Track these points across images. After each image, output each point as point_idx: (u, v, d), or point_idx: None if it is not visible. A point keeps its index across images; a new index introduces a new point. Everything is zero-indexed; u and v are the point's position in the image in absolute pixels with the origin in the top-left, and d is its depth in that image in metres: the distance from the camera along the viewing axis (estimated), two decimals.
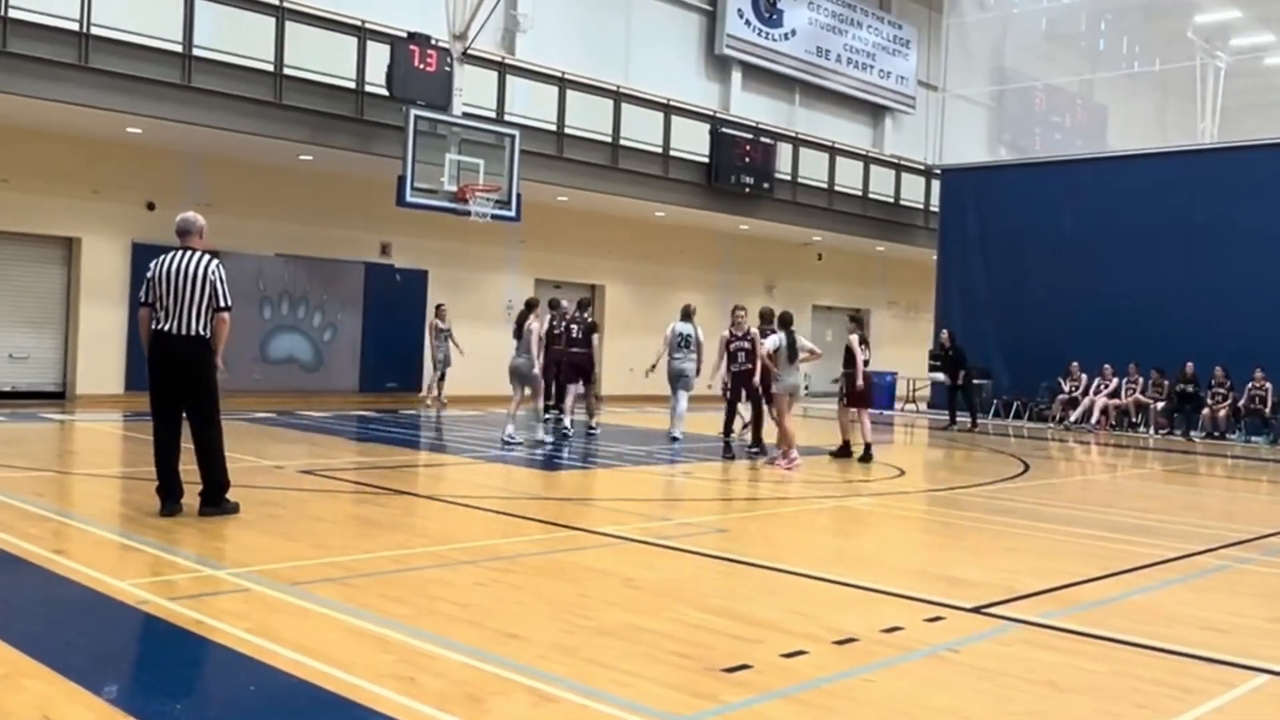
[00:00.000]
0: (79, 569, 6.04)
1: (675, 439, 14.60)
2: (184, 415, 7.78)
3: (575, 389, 14.90)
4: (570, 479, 11.54)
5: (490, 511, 9.03)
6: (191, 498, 7.77)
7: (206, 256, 7.71)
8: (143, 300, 7.77)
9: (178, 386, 7.67)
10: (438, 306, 19.66)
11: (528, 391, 13.68)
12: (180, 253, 7.68)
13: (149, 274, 7.69)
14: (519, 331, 13.62)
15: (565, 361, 14.69)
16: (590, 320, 15.08)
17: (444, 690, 4.30)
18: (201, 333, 7.63)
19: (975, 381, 20.56)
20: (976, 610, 6.00)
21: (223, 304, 7.68)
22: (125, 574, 6.00)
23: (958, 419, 20.25)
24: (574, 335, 14.66)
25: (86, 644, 4.83)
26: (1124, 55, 34.52)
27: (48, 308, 17.29)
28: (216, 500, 7.71)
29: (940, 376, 24.33)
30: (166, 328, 7.59)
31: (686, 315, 14.85)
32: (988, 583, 6.75)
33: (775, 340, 12.57)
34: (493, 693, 4.32)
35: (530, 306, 13.85)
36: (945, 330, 21.07)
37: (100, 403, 16.94)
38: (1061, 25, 32.82)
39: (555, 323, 14.86)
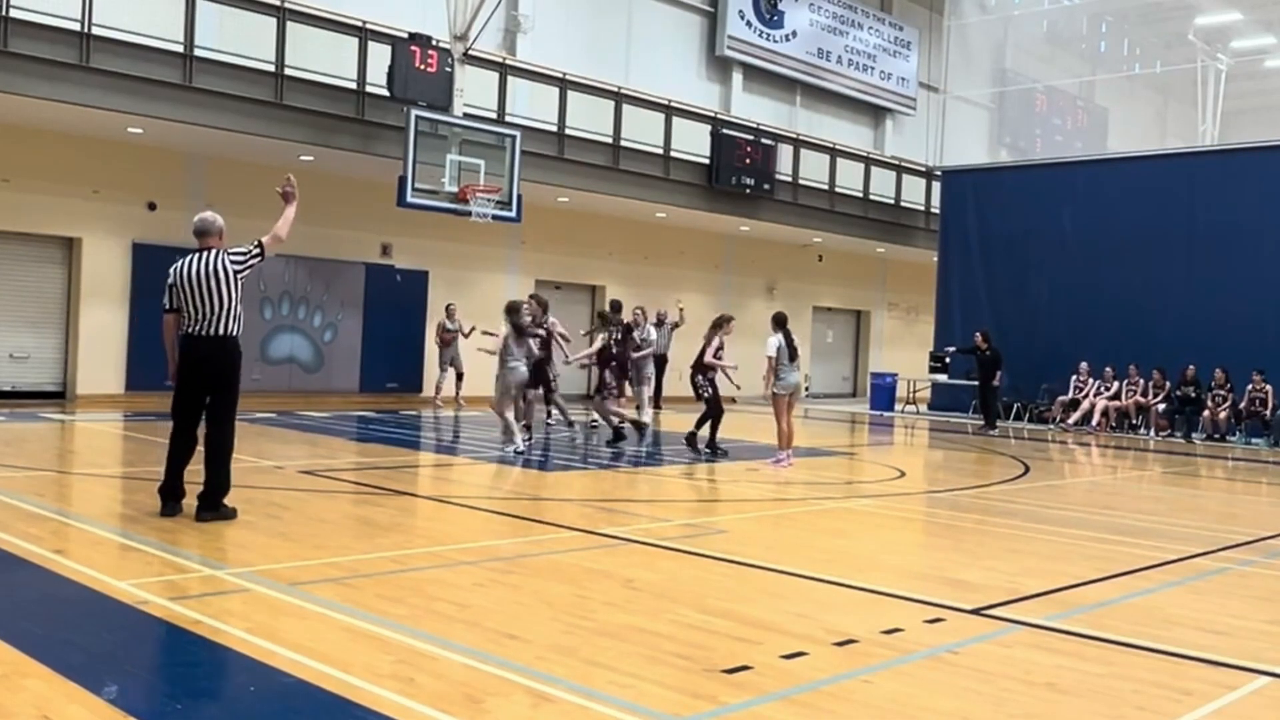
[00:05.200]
0: (79, 569, 6.04)
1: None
2: (202, 417, 7.74)
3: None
4: (570, 480, 11.53)
5: (490, 512, 9.04)
6: (190, 498, 7.75)
7: (221, 253, 7.68)
8: (166, 307, 7.67)
9: (204, 388, 7.65)
10: (447, 307, 19.61)
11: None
12: (199, 255, 7.65)
13: (169, 280, 7.64)
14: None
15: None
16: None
17: (443, 691, 4.30)
18: (229, 333, 7.61)
19: (994, 384, 20.55)
20: (976, 612, 6.00)
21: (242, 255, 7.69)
22: (125, 574, 5.99)
23: (997, 423, 20.35)
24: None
25: (86, 644, 4.83)
26: (1124, 57, 34.60)
27: (48, 308, 17.28)
28: (215, 505, 7.67)
29: (942, 377, 24.37)
30: (194, 331, 7.56)
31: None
32: (988, 584, 6.75)
33: (775, 341, 12.61)
34: (492, 693, 4.32)
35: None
36: (979, 332, 20.89)
37: (100, 403, 16.95)
38: (1062, 27, 32.89)
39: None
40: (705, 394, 13.42)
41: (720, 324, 13.58)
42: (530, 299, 14.36)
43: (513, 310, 12.90)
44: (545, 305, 14.17)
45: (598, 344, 14.62)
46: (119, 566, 6.31)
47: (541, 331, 13.73)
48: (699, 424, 13.51)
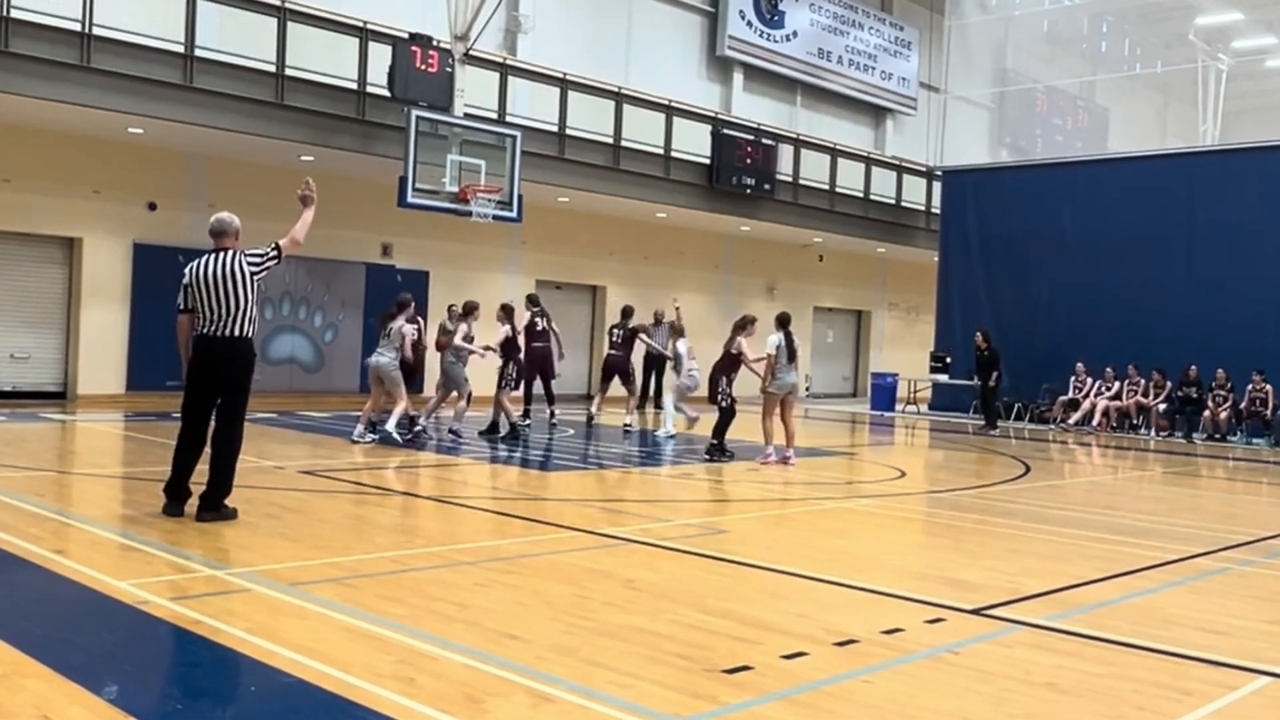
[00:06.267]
0: (79, 569, 6.04)
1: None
2: (212, 417, 7.72)
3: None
4: (570, 480, 11.54)
5: (490, 512, 9.04)
6: (193, 499, 7.75)
7: (238, 253, 7.66)
8: (181, 307, 7.64)
9: (216, 389, 7.64)
10: (449, 308, 19.54)
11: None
12: (215, 255, 7.62)
13: (184, 280, 7.62)
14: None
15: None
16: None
17: (443, 691, 4.30)
18: (244, 334, 7.58)
19: (991, 384, 20.54)
20: (977, 612, 6.00)
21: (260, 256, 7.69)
22: (125, 574, 5.99)
23: (997, 423, 20.44)
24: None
25: (86, 644, 4.83)
26: (1125, 57, 34.63)
27: (48, 308, 17.28)
28: (216, 505, 7.66)
29: (943, 377, 24.37)
30: (209, 331, 7.54)
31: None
32: (988, 584, 6.75)
33: (776, 340, 12.56)
34: (492, 693, 4.32)
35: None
36: (979, 332, 20.94)
37: (101, 403, 16.95)
38: (1063, 27, 32.92)
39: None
40: (724, 403, 13.24)
41: (743, 325, 13.40)
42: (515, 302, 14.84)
43: (400, 305, 13.65)
44: (405, 304, 14.08)
45: (500, 335, 14.64)
46: (119, 566, 6.31)
47: (410, 329, 13.73)
48: (715, 433, 13.33)
